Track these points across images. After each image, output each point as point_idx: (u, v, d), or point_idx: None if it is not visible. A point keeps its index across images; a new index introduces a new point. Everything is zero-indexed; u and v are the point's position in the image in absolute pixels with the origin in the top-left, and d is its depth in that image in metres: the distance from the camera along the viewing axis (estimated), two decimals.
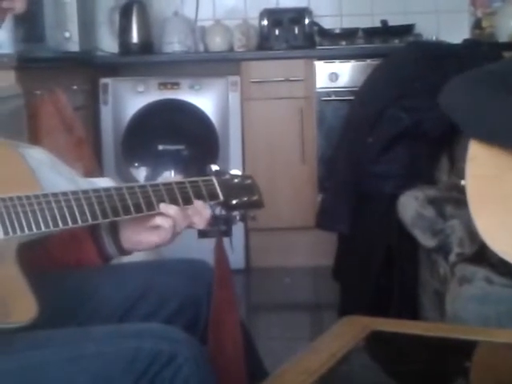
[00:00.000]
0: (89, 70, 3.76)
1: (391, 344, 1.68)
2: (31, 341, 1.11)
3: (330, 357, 1.52)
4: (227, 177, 1.43)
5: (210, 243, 1.40)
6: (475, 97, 2.04)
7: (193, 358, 1.11)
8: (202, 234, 1.42)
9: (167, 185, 1.33)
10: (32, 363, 1.08)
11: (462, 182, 2.01)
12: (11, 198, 1.13)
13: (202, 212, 1.33)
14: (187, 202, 1.33)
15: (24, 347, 1.10)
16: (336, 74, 3.77)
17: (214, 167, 1.44)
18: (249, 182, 1.45)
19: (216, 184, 1.39)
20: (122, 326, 1.24)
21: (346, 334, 1.65)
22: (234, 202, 1.41)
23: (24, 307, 1.09)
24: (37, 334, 1.12)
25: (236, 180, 1.44)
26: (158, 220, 1.31)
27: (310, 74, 3.78)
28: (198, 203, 1.33)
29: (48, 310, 1.10)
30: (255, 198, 1.44)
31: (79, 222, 1.19)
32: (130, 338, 1.12)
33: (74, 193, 1.20)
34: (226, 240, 1.42)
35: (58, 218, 1.16)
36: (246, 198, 1.42)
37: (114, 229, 1.36)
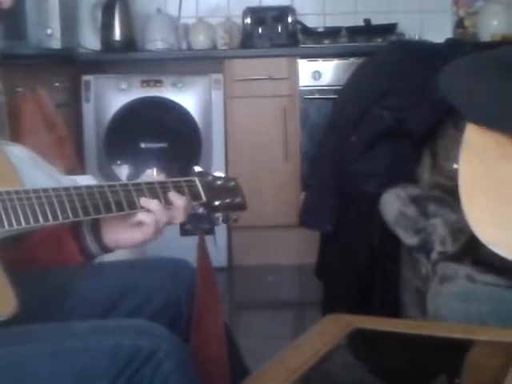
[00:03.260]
0: (71, 67, 3.75)
1: (374, 342, 1.68)
2: (12, 336, 1.11)
3: (312, 355, 1.52)
4: (210, 178, 1.43)
5: (192, 241, 1.40)
6: (475, 82, 2.03)
7: (174, 353, 1.11)
8: (185, 232, 1.41)
9: (149, 184, 1.32)
10: (13, 358, 1.08)
11: (455, 166, 2.00)
12: None
13: (175, 202, 1.32)
14: (169, 202, 1.33)
15: (5, 342, 1.09)
16: (319, 73, 3.78)
17: (197, 168, 1.44)
18: (232, 184, 1.46)
19: (199, 185, 1.39)
20: (103, 321, 1.24)
21: (329, 331, 1.65)
22: (217, 203, 1.41)
23: (3, 302, 1.09)
24: (18, 329, 1.11)
25: (219, 182, 1.43)
26: (140, 216, 1.31)
27: (294, 73, 3.79)
28: (171, 194, 1.33)
29: (28, 307, 1.09)
30: (238, 200, 1.44)
31: (60, 218, 1.18)
32: (111, 333, 1.11)
33: (55, 189, 1.20)
34: (209, 237, 1.42)
35: (39, 213, 1.16)
36: (228, 200, 1.42)
37: (95, 227, 1.36)
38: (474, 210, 1.90)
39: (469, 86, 2.04)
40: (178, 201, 1.33)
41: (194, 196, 1.38)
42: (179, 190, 1.35)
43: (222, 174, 1.46)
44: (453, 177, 2.04)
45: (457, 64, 2.11)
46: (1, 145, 1.27)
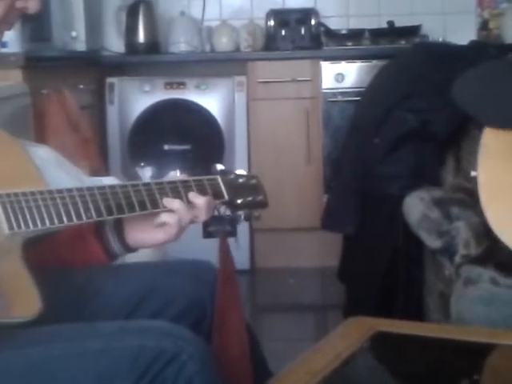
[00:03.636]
0: (95, 69, 3.77)
1: (396, 345, 1.68)
2: (36, 336, 1.11)
3: (334, 357, 1.51)
4: (232, 176, 1.43)
5: (215, 243, 1.40)
6: (489, 88, 2.04)
7: (198, 355, 1.10)
8: (208, 234, 1.41)
9: (172, 183, 1.33)
10: (36, 359, 1.08)
11: (473, 173, 2.01)
12: (16, 194, 1.13)
13: (196, 201, 1.33)
14: (191, 201, 1.33)
15: (28, 343, 1.10)
16: (342, 75, 3.77)
17: (219, 166, 1.44)
18: (254, 181, 1.46)
19: (221, 183, 1.40)
20: (127, 322, 1.24)
21: (351, 334, 1.65)
22: (239, 201, 1.41)
23: (27, 302, 1.09)
24: (41, 329, 1.12)
25: (241, 180, 1.44)
26: (164, 217, 1.31)
27: (316, 75, 3.78)
28: (191, 194, 1.33)
29: (51, 308, 1.10)
30: (260, 197, 1.44)
31: (84, 218, 1.19)
32: (134, 335, 1.11)
33: (79, 189, 1.20)
34: (231, 239, 1.42)
35: (63, 213, 1.17)
36: (250, 198, 1.43)
37: (118, 227, 1.37)
38: (494, 212, 1.90)
39: (482, 92, 2.05)
40: (199, 200, 1.33)
41: (217, 194, 1.38)
42: (201, 189, 1.35)
43: (243, 172, 1.46)
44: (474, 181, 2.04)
45: (469, 74, 2.12)
46: (26, 146, 1.28)
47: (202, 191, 1.35)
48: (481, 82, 2.09)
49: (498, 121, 1.97)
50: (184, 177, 1.36)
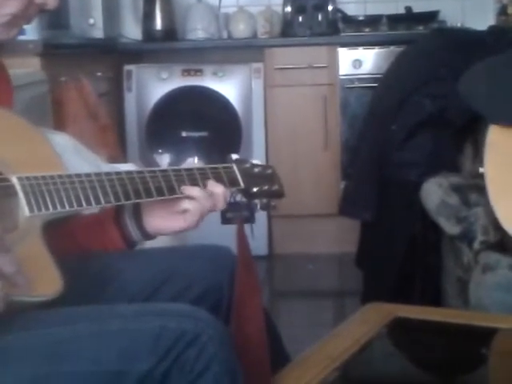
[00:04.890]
0: (113, 56, 3.78)
1: (414, 331, 1.68)
2: (59, 317, 1.12)
3: (353, 343, 1.52)
4: (248, 165, 1.44)
5: (233, 229, 1.41)
6: (495, 82, 2.03)
7: (217, 337, 1.11)
8: (226, 220, 1.42)
9: (188, 170, 1.34)
10: (60, 338, 1.09)
11: (481, 170, 2.00)
12: (36, 177, 1.14)
13: (214, 190, 1.33)
14: (208, 190, 1.34)
15: (52, 323, 1.11)
16: (360, 61, 3.76)
17: (235, 156, 1.45)
18: (269, 171, 1.46)
19: (237, 171, 1.40)
20: (147, 304, 1.25)
21: (369, 320, 1.65)
22: (255, 189, 1.41)
23: (49, 281, 1.11)
24: (63, 310, 1.13)
25: (257, 169, 1.44)
26: (185, 204, 1.32)
27: (334, 61, 3.77)
28: (209, 182, 1.34)
29: (70, 293, 1.11)
30: (276, 187, 1.45)
31: (102, 201, 1.20)
32: (155, 316, 1.12)
33: (97, 174, 1.21)
34: (247, 226, 1.42)
35: (82, 197, 1.18)
36: (266, 187, 1.43)
37: (137, 214, 1.37)
38: (503, 208, 1.90)
39: (489, 88, 2.04)
40: (217, 188, 1.34)
41: (232, 182, 1.38)
42: (217, 177, 1.36)
43: (259, 162, 1.47)
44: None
45: (475, 69, 2.11)
46: (45, 133, 1.29)
47: (218, 179, 1.36)
48: (487, 78, 2.07)
49: (504, 118, 1.96)
50: (200, 165, 1.36)
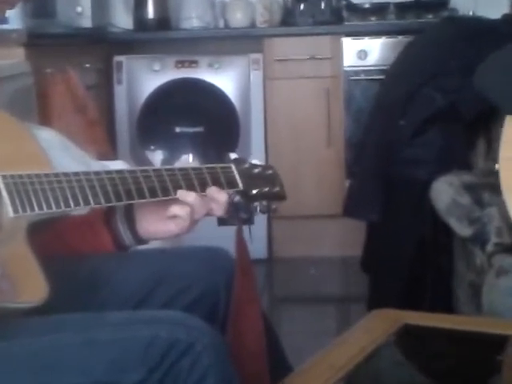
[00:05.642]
0: (102, 47, 3.78)
1: (424, 339, 1.68)
2: (44, 325, 1.12)
3: (358, 352, 1.52)
4: (247, 166, 1.43)
5: (230, 231, 1.40)
6: (510, 75, 2.03)
7: (212, 347, 1.11)
8: (222, 221, 1.41)
9: (183, 170, 1.33)
10: (45, 348, 1.09)
11: (497, 166, 2.01)
12: (20, 176, 1.14)
13: (218, 197, 1.33)
14: (204, 189, 1.34)
15: (37, 331, 1.11)
16: (365, 52, 3.76)
17: (233, 155, 1.44)
18: (270, 172, 1.45)
19: (235, 172, 1.39)
20: (138, 312, 1.26)
21: (376, 327, 1.65)
22: (254, 191, 1.41)
23: (34, 287, 1.11)
24: (49, 318, 1.13)
25: (256, 170, 1.44)
26: (175, 209, 1.31)
27: (337, 52, 3.77)
28: (212, 189, 1.33)
29: (59, 297, 1.11)
30: (277, 189, 1.44)
31: (91, 203, 1.20)
32: (146, 324, 1.13)
33: (86, 173, 1.21)
34: (245, 229, 1.42)
35: (70, 197, 1.18)
36: (266, 189, 1.43)
37: (129, 218, 1.37)
38: None
39: (505, 79, 2.04)
40: (220, 196, 1.33)
41: (231, 184, 1.38)
42: (214, 177, 1.35)
43: (259, 162, 1.46)
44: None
45: (492, 59, 2.11)
46: (30, 128, 1.29)
47: (215, 180, 1.35)
48: (503, 68, 2.08)
49: None
50: (196, 164, 1.36)
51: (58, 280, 1.12)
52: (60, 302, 1.11)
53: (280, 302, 3.52)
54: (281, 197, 1.45)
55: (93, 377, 1.08)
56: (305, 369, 1.46)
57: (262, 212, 1.44)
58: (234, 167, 1.40)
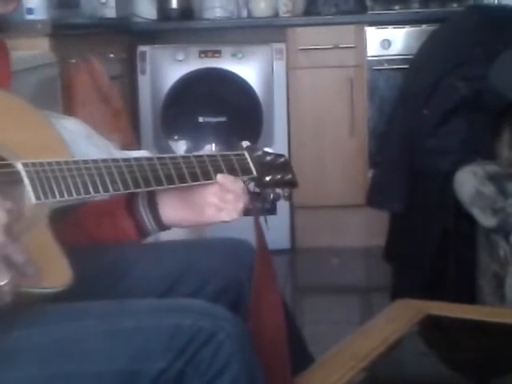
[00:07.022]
0: (126, 37, 3.78)
1: (446, 329, 1.67)
2: (68, 312, 1.13)
3: (380, 342, 1.52)
4: (260, 153, 1.44)
5: (249, 222, 1.41)
6: None
7: (236, 336, 1.11)
8: (246, 211, 1.42)
9: (198, 157, 1.34)
10: (69, 335, 1.09)
11: None
12: (41, 163, 1.15)
13: (234, 187, 1.34)
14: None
15: (61, 319, 1.11)
16: (389, 41, 3.74)
17: (246, 143, 1.45)
18: (282, 160, 1.47)
19: (249, 159, 1.41)
20: (162, 301, 1.25)
21: (399, 318, 1.65)
22: (268, 178, 1.42)
23: (57, 272, 1.11)
24: (74, 306, 1.14)
25: (269, 157, 1.45)
26: (210, 198, 1.34)
27: (361, 41, 3.75)
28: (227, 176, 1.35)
29: (81, 286, 1.11)
30: (289, 176, 1.45)
31: (110, 189, 1.21)
32: (170, 313, 1.13)
33: (104, 161, 1.22)
34: (261, 218, 1.43)
35: (90, 185, 1.19)
36: (279, 176, 1.44)
37: (152, 204, 1.38)
38: None
39: None
40: (236, 185, 1.35)
41: (245, 171, 1.39)
42: (229, 164, 1.36)
43: (271, 150, 1.47)
44: None
45: (508, 55, 2.09)
46: (53, 118, 1.29)
47: (229, 167, 1.36)
48: None
49: None
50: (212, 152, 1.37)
51: (81, 267, 1.13)
52: (79, 292, 1.11)
53: (303, 291, 3.53)
54: (293, 184, 1.47)
55: (116, 365, 1.08)
56: (327, 359, 1.47)
57: (275, 199, 1.45)
58: (247, 154, 1.41)
